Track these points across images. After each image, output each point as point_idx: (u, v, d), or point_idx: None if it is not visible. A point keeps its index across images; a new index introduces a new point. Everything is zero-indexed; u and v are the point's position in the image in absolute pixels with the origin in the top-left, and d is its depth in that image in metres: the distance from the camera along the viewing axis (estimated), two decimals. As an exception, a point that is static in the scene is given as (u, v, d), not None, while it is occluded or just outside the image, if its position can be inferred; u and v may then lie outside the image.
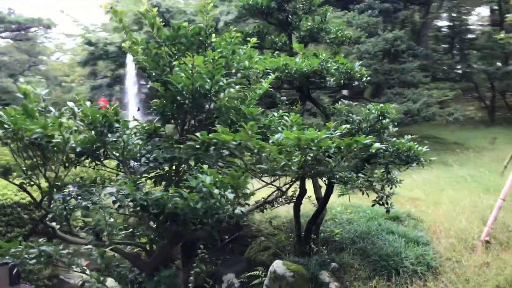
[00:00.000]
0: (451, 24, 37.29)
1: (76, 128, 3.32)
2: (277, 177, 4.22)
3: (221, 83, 4.00)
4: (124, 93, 25.24)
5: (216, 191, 3.27)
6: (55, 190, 3.83)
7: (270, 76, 4.77)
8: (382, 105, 5.81)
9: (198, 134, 3.23)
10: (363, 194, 5.97)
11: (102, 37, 23.04)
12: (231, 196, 3.31)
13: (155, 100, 4.53)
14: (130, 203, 3.79)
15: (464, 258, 6.85)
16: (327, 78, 5.80)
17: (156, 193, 3.49)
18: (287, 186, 4.74)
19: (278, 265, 6.51)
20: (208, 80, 3.88)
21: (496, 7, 33.70)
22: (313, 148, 3.35)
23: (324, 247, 7.33)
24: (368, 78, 5.99)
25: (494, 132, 18.44)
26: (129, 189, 3.47)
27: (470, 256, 6.91)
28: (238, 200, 3.50)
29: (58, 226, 3.62)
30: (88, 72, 30.75)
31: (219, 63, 3.86)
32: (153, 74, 4.37)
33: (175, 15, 24.23)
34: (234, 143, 3.14)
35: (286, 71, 5.52)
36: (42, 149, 2.94)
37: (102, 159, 4.24)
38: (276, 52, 7.76)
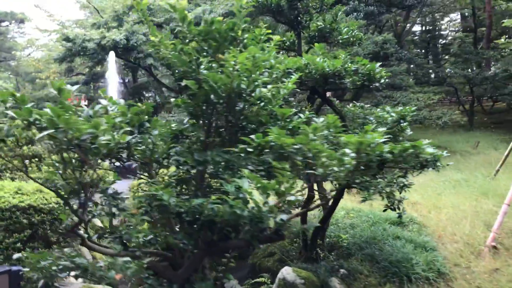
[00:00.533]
0: (426, 29, 38.14)
1: (128, 129, 3.00)
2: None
3: (256, 83, 3.78)
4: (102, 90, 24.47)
5: (255, 197, 3.05)
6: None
7: (292, 76, 4.55)
8: (401, 108, 5.68)
9: (252, 136, 2.98)
10: (382, 199, 5.81)
11: (80, 34, 22.28)
12: (272, 202, 3.09)
13: (174, 99, 4.25)
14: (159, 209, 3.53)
15: (473, 264, 6.78)
16: (345, 79, 5.62)
17: (196, 200, 3.22)
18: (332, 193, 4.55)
19: (288, 272, 6.28)
20: (245, 79, 3.64)
21: (466, 14, 34.67)
22: (368, 152, 3.14)
23: (331, 253, 7.14)
24: (387, 80, 5.84)
25: (474, 136, 18.70)
26: (167, 195, 3.20)
27: (478, 262, 6.84)
28: (282, 208, 3.27)
29: (86, 235, 3.30)
30: (63, 69, 29.86)
31: (259, 61, 3.62)
32: (177, 71, 4.10)
33: (156, 12, 23.74)
34: (296, 147, 2.90)
35: (307, 71, 5.31)
36: (85, 151, 2.62)
37: (124, 161, 3.95)
38: (282, 51, 7.54)
